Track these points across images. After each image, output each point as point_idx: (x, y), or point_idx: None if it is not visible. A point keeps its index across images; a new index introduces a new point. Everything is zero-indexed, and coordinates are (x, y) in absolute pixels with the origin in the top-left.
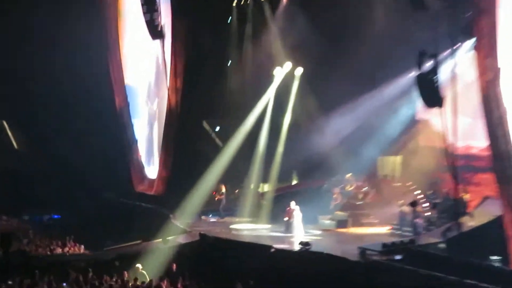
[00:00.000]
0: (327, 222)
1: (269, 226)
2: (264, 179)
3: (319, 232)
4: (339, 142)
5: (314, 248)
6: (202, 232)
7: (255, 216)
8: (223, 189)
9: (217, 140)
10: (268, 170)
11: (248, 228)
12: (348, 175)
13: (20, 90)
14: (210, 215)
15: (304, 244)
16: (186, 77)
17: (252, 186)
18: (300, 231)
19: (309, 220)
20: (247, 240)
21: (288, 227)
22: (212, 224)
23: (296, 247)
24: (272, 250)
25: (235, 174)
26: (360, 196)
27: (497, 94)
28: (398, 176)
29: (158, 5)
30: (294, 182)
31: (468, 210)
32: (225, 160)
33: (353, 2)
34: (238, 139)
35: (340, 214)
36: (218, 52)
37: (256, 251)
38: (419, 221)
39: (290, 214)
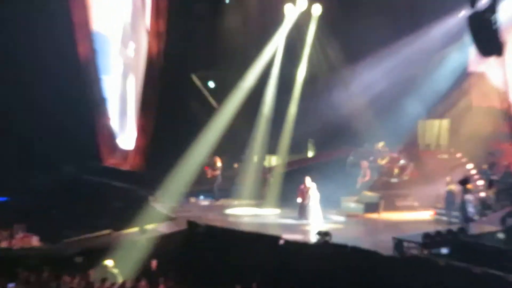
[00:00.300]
0: (353, 205)
1: (277, 211)
2: (272, 150)
3: (342, 218)
4: (368, 102)
5: (335, 239)
6: (190, 219)
7: (259, 198)
8: (218, 163)
9: (211, 99)
10: (277, 138)
11: (250, 213)
12: (380, 145)
13: None
14: (201, 197)
15: (323, 234)
16: (171, 17)
17: (255, 159)
18: (318, 217)
19: (329, 203)
20: (248, 229)
21: (302, 211)
22: (203, 208)
23: (313, 238)
24: (281, 242)
25: (234, 144)
26: (396, 171)
27: None
28: (445, 145)
29: None
30: (310, 153)
31: None
32: (221, 125)
33: None
34: (238, 98)
35: (370, 195)
36: None
37: (261, 244)
38: (471, 203)
39: (304, 194)
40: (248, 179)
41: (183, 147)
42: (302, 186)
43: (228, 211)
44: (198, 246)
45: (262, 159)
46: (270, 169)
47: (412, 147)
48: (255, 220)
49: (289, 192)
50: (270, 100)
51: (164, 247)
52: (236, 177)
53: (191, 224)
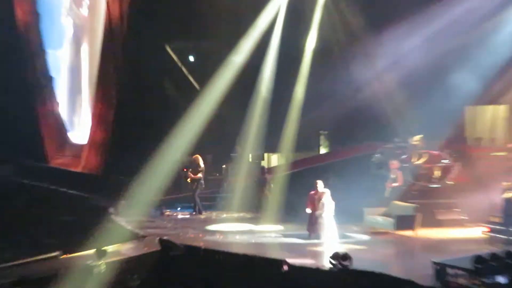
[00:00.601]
0: (380, 219)
1: (279, 227)
2: (272, 146)
3: (365, 236)
4: (399, 81)
5: (356, 265)
6: (164, 238)
7: (255, 210)
8: (201, 164)
9: (191, 78)
10: (278, 130)
11: (244, 230)
12: (416, 139)
13: None
14: (179, 208)
15: (340, 257)
16: None
17: (250, 158)
18: (333, 235)
19: (348, 216)
20: (241, 251)
21: (313, 226)
22: (181, 222)
23: (326, 262)
24: (285, 268)
25: (222, 138)
26: (437, 174)
27: None
28: (501, 139)
29: None
30: (323, 150)
31: None
32: (205, 113)
33: None
34: (226, 77)
35: (402, 205)
36: None
37: (258, 270)
38: None
39: (315, 203)
40: (241, 184)
41: (155, 142)
42: (313, 193)
43: (214, 227)
44: (175, 273)
45: (259, 158)
46: (269, 171)
47: (458, 142)
48: (250, 239)
49: (295, 202)
50: (269, 80)
51: (130, 274)
52: (224, 182)
53: (165, 245)
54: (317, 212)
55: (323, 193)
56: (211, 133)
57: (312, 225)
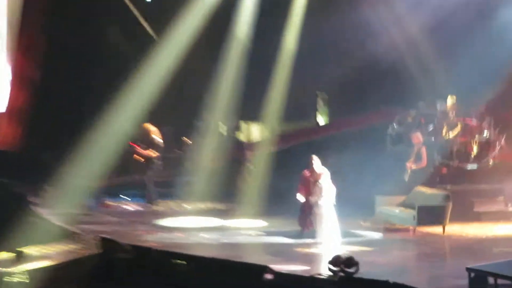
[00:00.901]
0: (397, 211)
1: (261, 222)
2: (251, 113)
3: (377, 234)
4: (425, 24)
5: (364, 272)
6: (106, 237)
7: (229, 200)
8: (156, 137)
9: (144, 24)
10: (261, 92)
11: (213, 226)
12: (449, 103)
13: None
14: (125, 197)
15: (343, 262)
16: None
17: (221, 129)
18: (333, 231)
19: (355, 206)
20: (210, 254)
21: (306, 219)
22: (129, 216)
23: (325, 269)
24: (268, 276)
25: (185, 102)
26: (475, 150)
27: None
28: None
29: None
30: (321, 120)
31: None
32: (163, 68)
33: None
34: (192, 21)
35: (428, 193)
36: None
37: (232, 280)
38: None
39: (310, 186)
40: (210, 165)
41: (95, 110)
42: (307, 174)
43: (173, 222)
44: (119, 284)
45: (234, 129)
46: (249, 147)
47: (504, 108)
48: (222, 238)
49: (284, 189)
50: (250, 24)
51: (60, 285)
52: (187, 162)
53: (107, 246)
54: (312, 199)
55: (320, 173)
56: (172, 96)
57: (306, 217)
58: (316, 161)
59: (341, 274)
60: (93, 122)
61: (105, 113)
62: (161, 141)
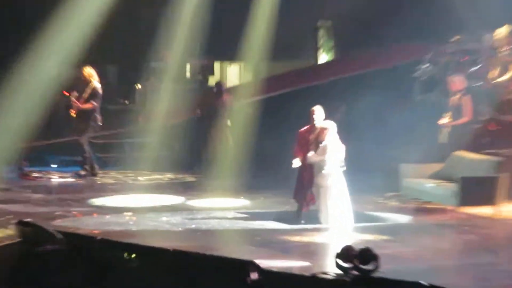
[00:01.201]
0: (430, 186)
1: (243, 201)
2: (228, 50)
3: (402, 217)
4: None
5: (386, 269)
6: (26, 220)
7: (198, 169)
8: (95, 83)
9: None
10: (240, 22)
11: (176, 205)
12: (501, 33)
13: None
14: (54, 165)
15: (357, 255)
16: None
17: (187, 70)
18: (342, 210)
19: (372, 177)
20: (171, 245)
21: (304, 192)
22: (58, 191)
23: (331, 265)
24: (253, 276)
25: (135, 35)
26: None
27: None
28: None
29: None
30: (324, 58)
31: None
32: None
33: None
34: None
35: (473, 159)
36: None
37: (203, 279)
38: None
39: (309, 146)
40: (170, 121)
41: (15, 48)
42: (306, 130)
43: (120, 200)
44: (45, 283)
45: (204, 71)
46: (224, 96)
47: None
48: (188, 223)
49: (274, 154)
50: None
51: None
52: (139, 117)
53: (30, 232)
54: (311, 159)
55: (324, 129)
56: (117, 28)
57: (305, 191)
58: (318, 112)
59: (354, 272)
60: (13, 63)
61: (30, 52)
62: (99, 85)
